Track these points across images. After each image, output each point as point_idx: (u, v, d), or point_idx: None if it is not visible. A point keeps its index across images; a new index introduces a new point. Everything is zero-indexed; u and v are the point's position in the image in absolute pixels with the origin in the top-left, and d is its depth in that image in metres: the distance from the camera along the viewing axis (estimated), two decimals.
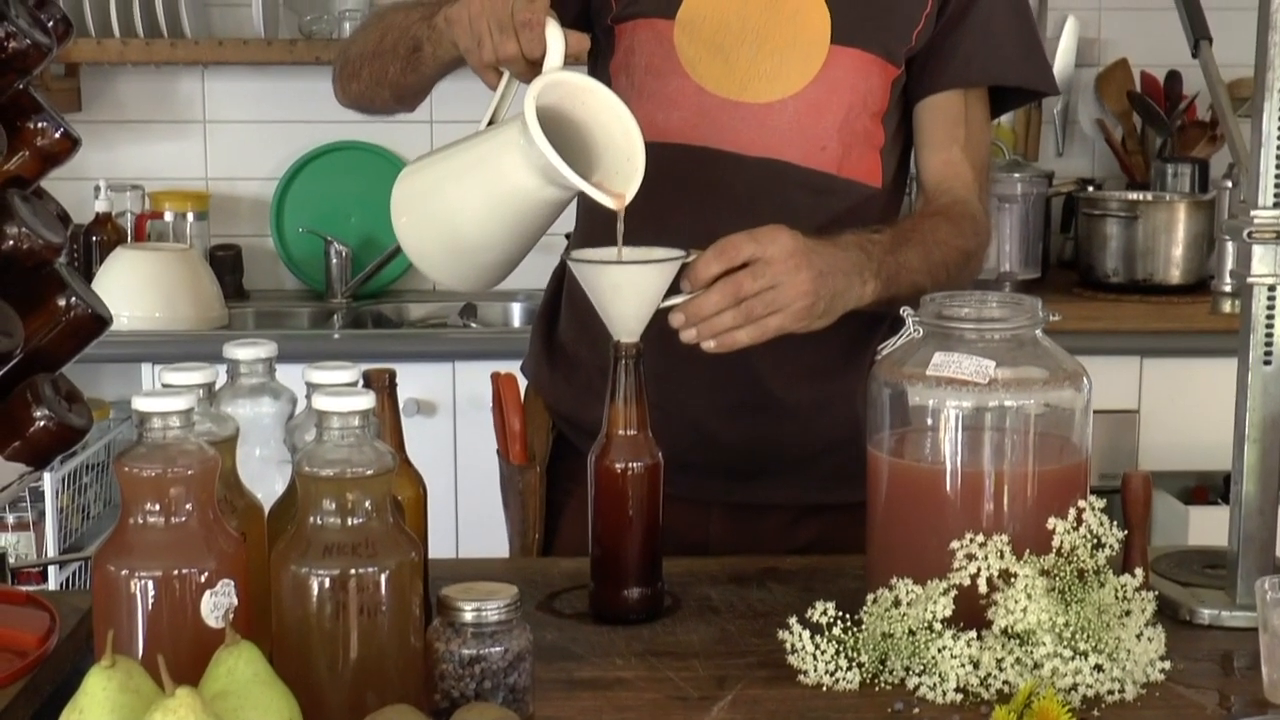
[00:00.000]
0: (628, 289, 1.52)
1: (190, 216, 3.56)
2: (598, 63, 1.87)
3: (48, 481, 2.82)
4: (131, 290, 3.21)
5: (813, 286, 1.55)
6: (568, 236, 1.94)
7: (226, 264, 3.55)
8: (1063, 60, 3.66)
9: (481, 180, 1.57)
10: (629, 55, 1.83)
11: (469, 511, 2.94)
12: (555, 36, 1.54)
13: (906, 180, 1.90)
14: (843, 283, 1.59)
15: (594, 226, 1.81)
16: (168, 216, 3.55)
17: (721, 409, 1.78)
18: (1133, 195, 3.43)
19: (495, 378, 1.86)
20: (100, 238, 3.43)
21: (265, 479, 1.45)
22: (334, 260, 3.59)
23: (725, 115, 1.77)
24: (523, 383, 1.92)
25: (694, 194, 1.77)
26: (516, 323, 3.56)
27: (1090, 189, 3.59)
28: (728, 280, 1.52)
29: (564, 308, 1.93)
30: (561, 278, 1.95)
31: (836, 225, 1.67)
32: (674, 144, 1.77)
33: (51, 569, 2.86)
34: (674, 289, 1.54)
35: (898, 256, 1.66)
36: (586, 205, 1.87)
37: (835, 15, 1.77)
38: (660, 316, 1.54)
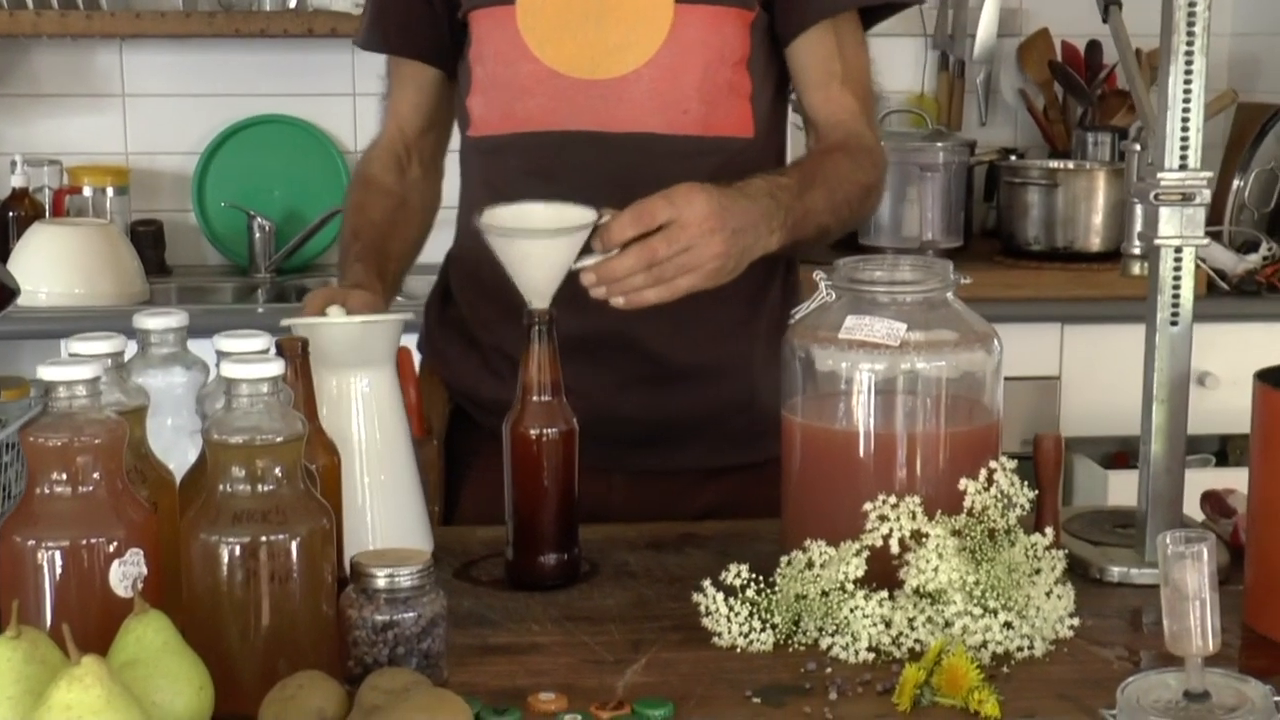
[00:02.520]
0: (536, 257, 1.51)
1: (110, 191, 3.51)
2: (461, 54, 1.88)
3: None
4: (50, 266, 3.17)
5: (725, 248, 1.54)
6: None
7: (148, 239, 3.51)
8: (985, 30, 3.68)
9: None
10: (480, 45, 1.83)
11: None
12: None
13: (785, 122, 1.90)
14: (752, 237, 1.58)
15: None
16: (87, 191, 3.50)
17: (617, 384, 1.78)
18: (1053, 164, 3.45)
19: None
20: (17, 213, 3.39)
21: (178, 449, 1.45)
22: (257, 235, 3.56)
23: (581, 96, 1.76)
24: (419, 357, 1.91)
25: (563, 181, 1.75)
26: None
27: (1013, 158, 3.61)
28: (643, 245, 1.52)
29: (455, 288, 1.93)
30: (452, 257, 1.95)
31: (713, 183, 1.64)
32: (535, 132, 1.78)
33: None
34: (587, 247, 1.53)
35: (804, 200, 1.66)
36: (468, 196, 1.88)
37: None
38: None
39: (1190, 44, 1.52)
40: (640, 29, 1.75)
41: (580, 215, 1.52)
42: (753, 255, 1.59)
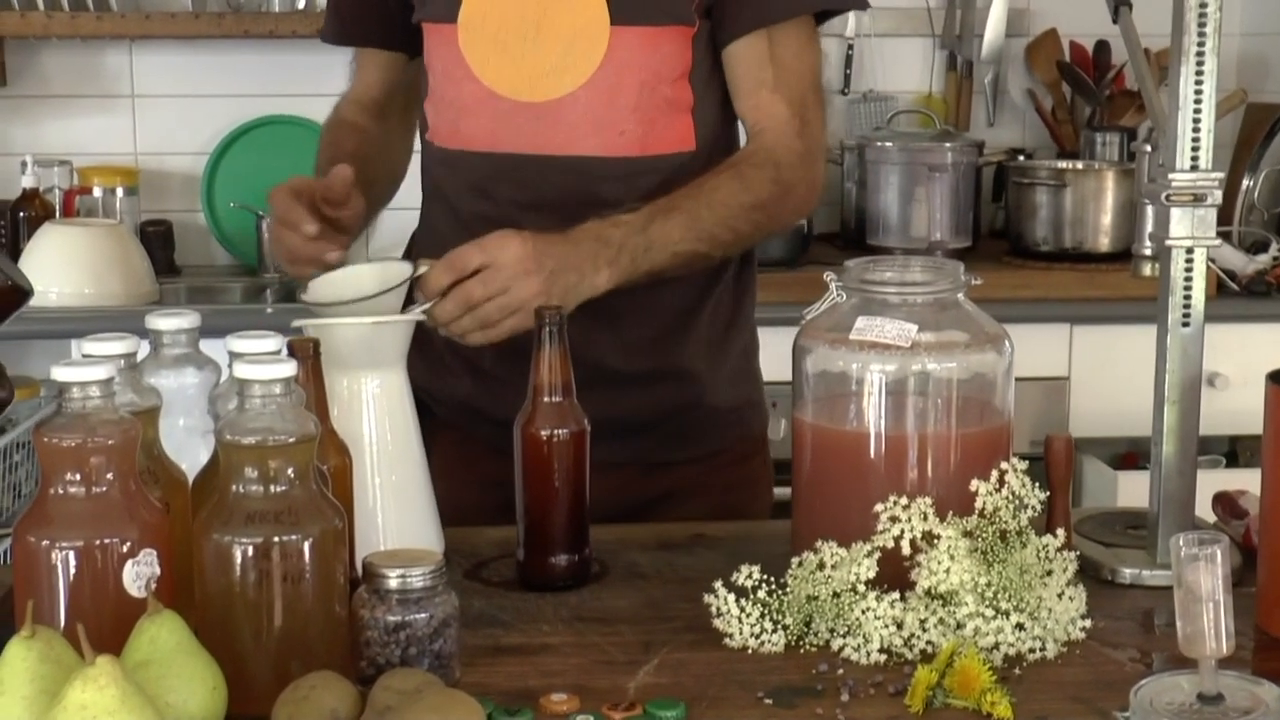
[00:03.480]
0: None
1: (120, 192, 3.52)
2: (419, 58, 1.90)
3: None
4: (60, 266, 3.17)
5: (543, 287, 1.59)
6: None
7: (157, 239, 3.51)
8: (993, 30, 3.68)
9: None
10: (430, 58, 1.85)
11: None
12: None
13: (735, 128, 1.89)
14: (574, 278, 1.62)
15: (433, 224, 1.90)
16: (96, 192, 3.51)
17: None
18: (1061, 164, 3.45)
19: None
20: (28, 214, 3.39)
21: (190, 450, 1.45)
22: (266, 235, 3.55)
23: (519, 118, 1.77)
24: None
25: (503, 201, 1.78)
26: None
27: (1021, 158, 3.61)
28: (459, 290, 1.57)
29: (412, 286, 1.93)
30: (410, 255, 1.95)
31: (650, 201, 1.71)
32: (478, 152, 1.80)
33: None
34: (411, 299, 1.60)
35: (649, 234, 1.68)
36: (427, 194, 1.90)
37: None
38: None
39: (1201, 44, 1.51)
40: (576, 51, 1.75)
41: (400, 272, 1.58)
42: (581, 293, 1.63)
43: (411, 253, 1.96)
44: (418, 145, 1.97)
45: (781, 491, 1.72)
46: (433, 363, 1.86)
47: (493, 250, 1.58)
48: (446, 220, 1.84)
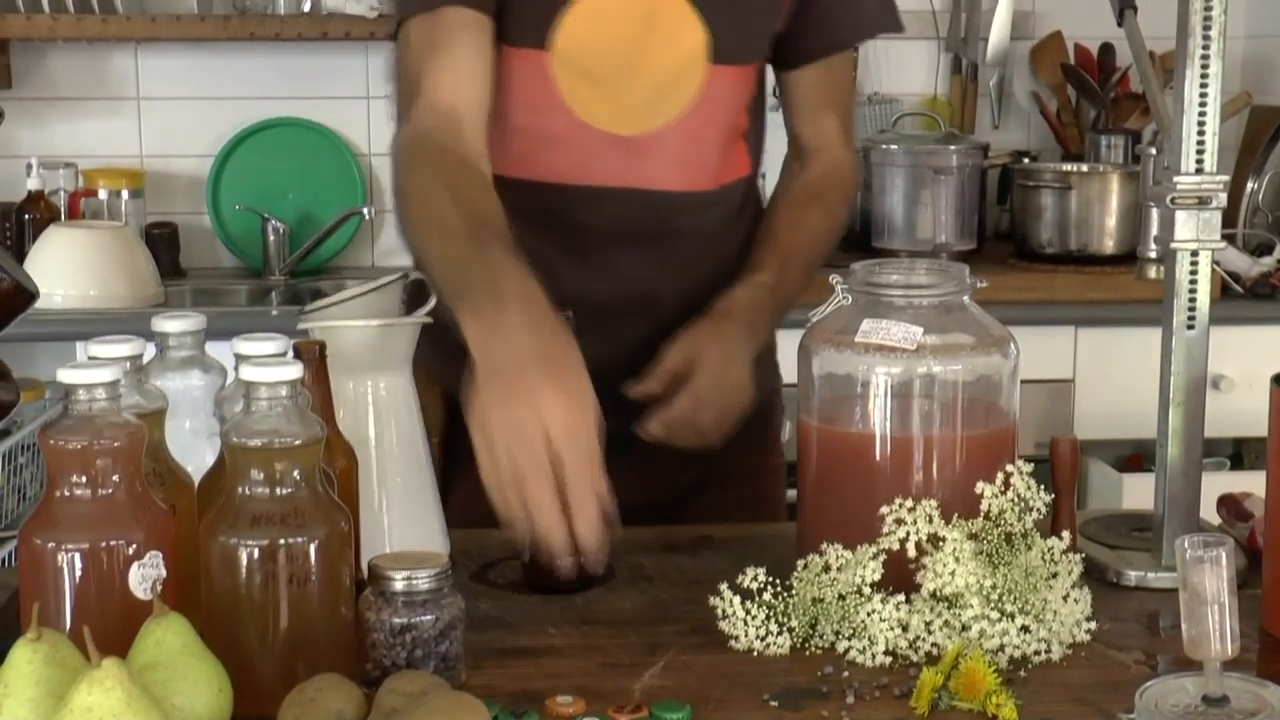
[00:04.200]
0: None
1: (125, 194, 3.52)
2: None
3: None
4: (65, 269, 3.18)
5: (745, 370, 1.69)
6: None
7: (162, 242, 3.52)
8: (998, 33, 3.68)
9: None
10: (509, 82, 1.71)
11: None
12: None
13: (763, 139, 1.90)
14: (750, 349, 1.71)
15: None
16: (102, 194, 3.51)
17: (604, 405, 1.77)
18: (1066, 167, 3.44)
19: None
20: (33, 216, 3.40)
21: (195, 452, 1.45)
22: (271, 237, 3.57)
23: (609, 151, 1.74)
24: None
25: (575, 230, 1.76)
26: None
27: (1025, 161, 3.61)
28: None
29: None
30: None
31: (718, 236, 1.79)
32: (558, 184, 1.75)
33: None
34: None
35: (785, 285, 1.77)
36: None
37: (712, 33, 1.73)
38: None
39: (1206, 47, 1.52)
40: (671, 87, 1.74)
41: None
42: (751, 361, 1.71)
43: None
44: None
45: (787, 494, 1.73)
46: (469, 372, 1.85)
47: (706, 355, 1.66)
48: None
